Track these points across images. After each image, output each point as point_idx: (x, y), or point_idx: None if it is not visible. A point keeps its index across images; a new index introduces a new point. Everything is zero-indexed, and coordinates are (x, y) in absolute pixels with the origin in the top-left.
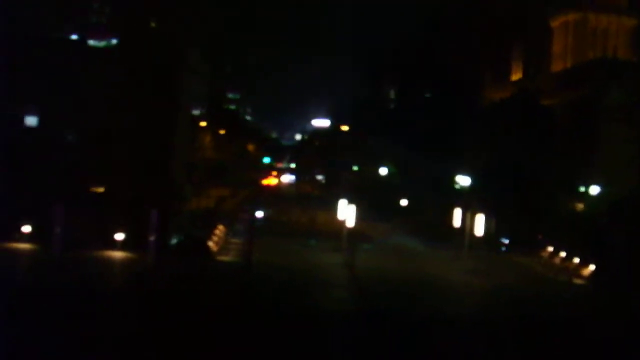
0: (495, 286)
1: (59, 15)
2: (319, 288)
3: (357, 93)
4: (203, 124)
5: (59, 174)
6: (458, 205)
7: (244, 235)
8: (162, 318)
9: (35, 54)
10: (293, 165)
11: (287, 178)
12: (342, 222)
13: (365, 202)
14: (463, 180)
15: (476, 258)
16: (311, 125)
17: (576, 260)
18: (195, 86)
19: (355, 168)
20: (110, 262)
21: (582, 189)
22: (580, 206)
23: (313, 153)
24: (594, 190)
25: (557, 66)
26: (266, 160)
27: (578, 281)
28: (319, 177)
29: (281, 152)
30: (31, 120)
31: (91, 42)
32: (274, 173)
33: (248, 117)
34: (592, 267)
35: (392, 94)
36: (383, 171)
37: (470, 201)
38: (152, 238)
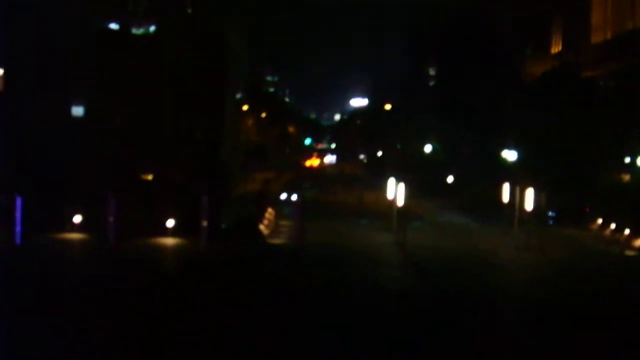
0: (549, 261)
1: (97, 6)
2: (373, 267)
3: (397, 70)
4: (245, 107)
5: (107, 163)
6: (506, 180)
7: (294, 217)
8: (229, 301)
9: (78, 45)
10: (333, 146)
11: (329, 159)
12: (391, 201)
13: (412, 180)
14: (510, 155)
15: (527, 233)
16: (349, 105)
17: (627, 231)
18: (236, 70)
19: (398, 146)
20: (165, 248)
21: (628, 160)
22: (626, 177)
23: (354, 132)
24: None
25: (596, 37)
26: (307, 141)
27: (630, 253)
28: (361, 157)
29: (321, 133)
30: (77, 111)
31: (132, 30)
32: (316, 154)
33: (287, 99)
34: None
35: (432, 71)
36: (428, 148)
37: (518, 176)
38: (204, 223)
